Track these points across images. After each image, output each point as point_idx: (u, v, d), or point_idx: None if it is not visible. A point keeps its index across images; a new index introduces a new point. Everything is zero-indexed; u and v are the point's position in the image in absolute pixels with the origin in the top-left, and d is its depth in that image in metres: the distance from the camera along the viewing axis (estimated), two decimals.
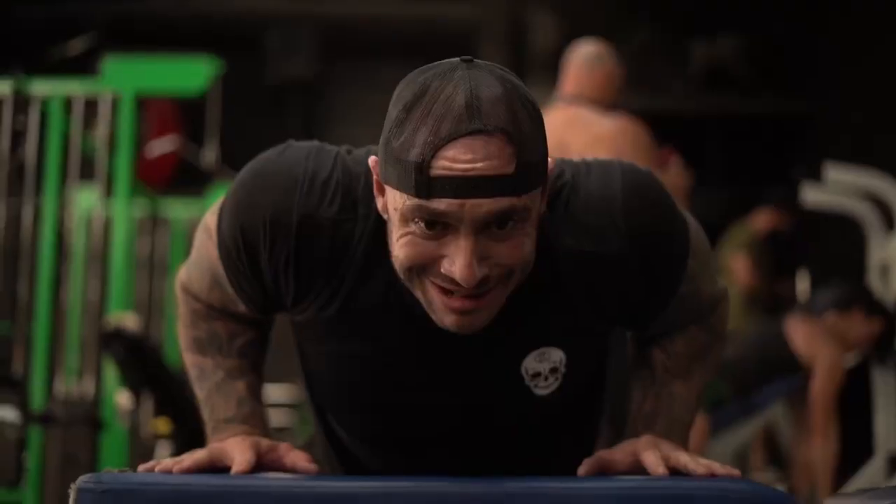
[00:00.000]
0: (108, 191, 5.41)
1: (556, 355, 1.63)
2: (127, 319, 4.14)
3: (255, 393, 1.77)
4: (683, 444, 1.73)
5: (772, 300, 6.63)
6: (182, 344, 1.80)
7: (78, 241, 5.58)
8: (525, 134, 1.40)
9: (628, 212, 1.55)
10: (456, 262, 1.41)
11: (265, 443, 1.69)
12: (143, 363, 3.99)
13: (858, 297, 4.96)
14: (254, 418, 1.74)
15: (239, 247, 1.59)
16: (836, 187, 5.74)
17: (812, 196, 5.75)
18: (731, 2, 9.12)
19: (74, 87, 5.23)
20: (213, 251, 1.67)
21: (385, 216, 1.50)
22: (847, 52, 8.41)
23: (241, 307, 1.70)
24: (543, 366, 1.63)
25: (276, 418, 6.50)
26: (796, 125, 9.13)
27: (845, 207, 5.75)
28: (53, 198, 5.15)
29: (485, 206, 1.38)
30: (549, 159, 1.48)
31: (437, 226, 1.41)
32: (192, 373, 1.78)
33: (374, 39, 8.83)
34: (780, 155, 9.26)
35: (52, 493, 4.74)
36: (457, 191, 1.37)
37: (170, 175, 6.42)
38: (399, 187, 1.41)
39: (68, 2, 8.62)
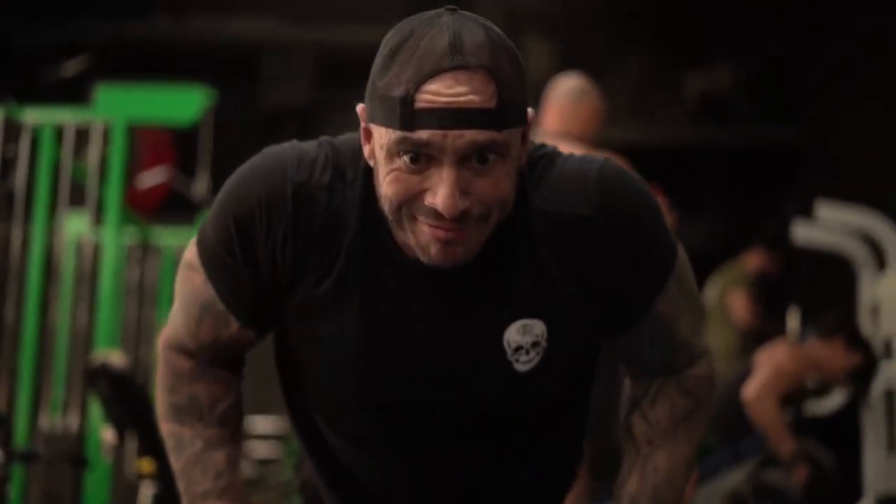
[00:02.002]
0: (98, 218, 5.40)
1: (538, 328, 1.63)
2: (113, 356, 4.11)
3: (233, 465, 1.74)
4: None
5: (766, 341, 6.62)
6: (160, 411, 1.78)
7: (67, 268, 5.56)
8: (506, 73, 1.46)
9: (603, 180, 1.61)
10: (438, 192, 1.46)
11: None
12: (129, 401, 3.95)
13: (842, 327, 4.92)
14: (231, 491, 1.72)
15: (233, 240, 1.61)
16: (828, 225, 5.73)
17: (803, 233, 5.74)
18: (726, 31, 9.13)
19: (66, 116, 5.22)
20: (197, 279, 1.68)
21: (371, 162, 1.55)
22: (843, 84, 8.41)
23: (234, 326, 1.69)
24: (525, 339, 1.63)
25: (263, 450, 6.49)
26: (791, 156, 9.14)
27: (837, 245, 5.74)
28: (42, 224, 5.12)
29: (466, 136, 1.44)
30: (529, 110, 1.54)
31: (422, 159, 1.47)
32: (169, 443, 1.76)
33: (370, 66, 8.80)
34: (774, 186, 9.26)
35: None
36: (440, 121, 1.43)
37: (160, 204, 6.40)
38: (385, 123, 1.47)
39: (62, 26, 8.63)
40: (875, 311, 5.47)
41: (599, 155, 1.68)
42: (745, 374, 4.86)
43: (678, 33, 9.14)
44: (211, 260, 1.65)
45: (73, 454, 4.24)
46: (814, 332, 4.92)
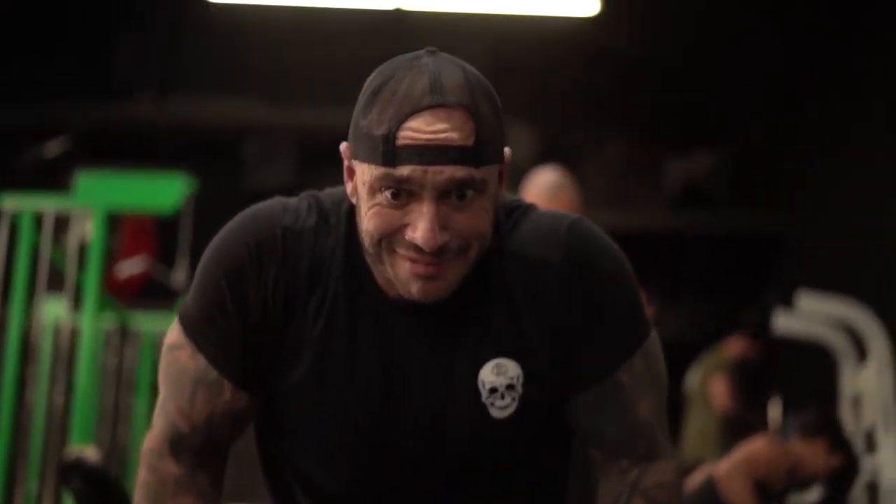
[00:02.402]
0: (77, 303, 5.36)
1: (513, 370, 1.65)
2: (87, 451, 4.06)
3: None
4: None
5: (745, 428, 6.60)
6: None
7: (44, 352, 5.51)
8: (484, 113, 1.52)
9: (573, 230, 1.66)
10: (418, 226, 1.51)
11: None
12: (103, 497, 3.90)
13: (826, 427, 4.90)
14: None
15: (223, 295, 1.63)
16: (809, 315, 5.74)
17: (784, 323, 5.75)
18: (705, 118, 9.21)
19: (46, 203, 5.20)
20: (184, 355, 1.67)
21: (354, 200, 1.60)
22: (823, 172, 8.48)
23: (227, 393, 1.67)
24: (500, 380, 1.65)
25: None
26: (771, 244, 9.18)
27: (818, 336, 5.74)
28: (20, 307, 5.08)
29: (446, 172, 1.49)
30: (507, 149, 1.60)
31: (402, 194, 1.52)
32: None
33: None
34: (754, 273, 9.29)
35: None
36: (420, 158, 1.49)
37: (139, 291, 6.38)
38: (367, 160, 1.52)
39: (42, 108, 8.64)
40: (856, 402, 5.47)
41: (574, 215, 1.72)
42: (710, 485, 4.83)
43: (658, 120, 9.22)
44: (198, 327, 1.66)
45: None
46: (796, 429, 4.89)
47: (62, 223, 5.34)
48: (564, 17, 7.99)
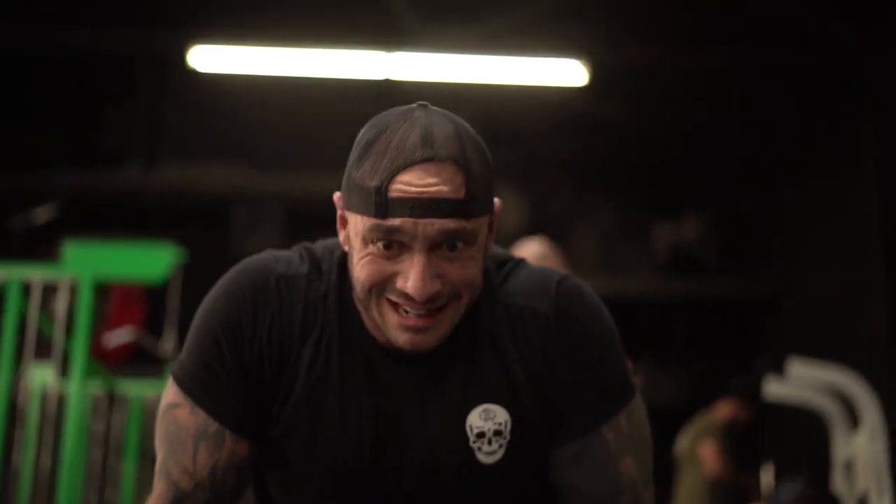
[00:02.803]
0: (64, 370, 5.33)
1: (501, 415, 1.67)
2: None
3: None
4: None
5: (737, 494, 6.56)
6: None
7: (31, 417, 5.47)
8: (474, 166, 1.55)
9: (562, 285, 1.70)
10: (410, 276, 1.54)
11: None
12: None
13: (820, 501, 4.88)
14: None
15: (220, 346, 1.64)
16: (800, 381, 5.71)
17: (775, 389, 5.72)
18: (693, 185, 9.25)
19: (33, 272, 5.18)
20: (183, 413, 1.67)
21: (346, 248, 1.63)
22: (811, 236, 8.50)
23: (229, 443, 1.67)
24: (488, 425, 1.66)
25: None
26: (759, 308, 9.18)
27: (809, 402, 5.72)
28: (7, 373, 5.05)
29: (437, 224, 1.52)
30: (496, 200, 1.63)
31: (394, 245, 1.54)
32: None
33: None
34: (744, 337, 9.29)
35: None
36: (412, 210, 1.52)
37: (127, 359, 6.35)
38: (360, 211, 1.55)
39: (31, 175, 8.65)
40: (849, 467, 5.43)
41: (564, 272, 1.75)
42: None
43: (646, 186, 9.26)
44: (196, 381, 1.66)
45: None
46: (791, 500, 4.87)
47: (50, 291, 5.32)
48: (553, 87, 8.05)
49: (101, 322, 5.80)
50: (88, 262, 5.16)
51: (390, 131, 1.56)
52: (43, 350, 5.45)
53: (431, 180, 1.52)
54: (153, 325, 6.44)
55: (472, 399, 1.67)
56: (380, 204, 1.53)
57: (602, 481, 1.68)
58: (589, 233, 9.28)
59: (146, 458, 5.92)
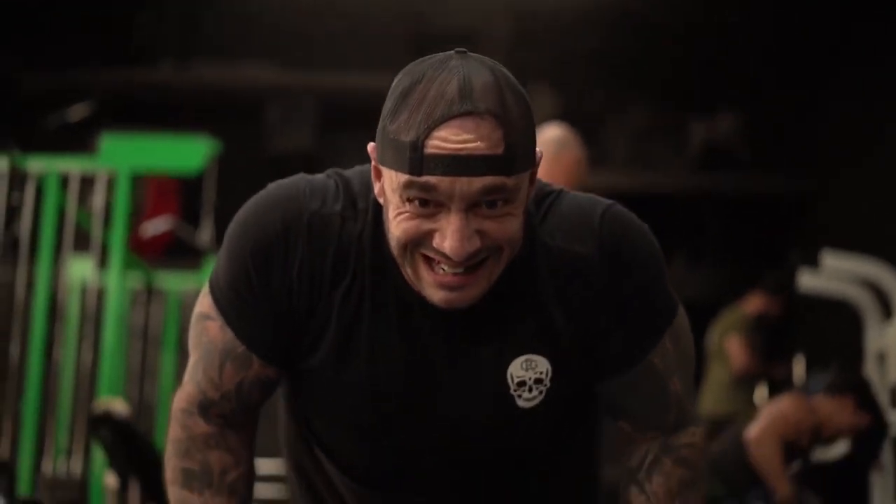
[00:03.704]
0: (103, 262, 5.40)
1: (542, 365, 1.64)
2: (116, 403, 4.10)
3: None
4: None
5: (767, 383, 6.61)
6: (168, 476, 1.75)
7: (71, 311, 5.56)
8: (514, 119, 1.47)
9: (607, 220, 1.63)
10: (447, 236, 1.47)
11: None
12: (132, 449, 3.95)
13: (854, 386, 4.90)
14: None
15: (249, 275, 1.61)
16: (833, 273, 5.73)
17: (809, 282, 5.74)
18: (729, 80, 9.17)
19: (71, 164, 5.23)
20: (214, 326, 1.67)
21: (381, 200, 1.56)
22: (847, 133, 8.44)
23: (255, 366, 1.68)
24: (528, 374, 1.64)
25: (267, 492, 6.46)
26: (795, 204, 9.16)
27: (842, 294, 5.73)
28: (47, 269, 5.13)
29: (475, 182, 1.45)
30: (538, 150, 1.55)
31: (430, 203, 1.47)
32: None
33: (374, 110, 8.82)
34: (777, 234, 9.27)
35: None
36: (448, 168, 1.44)
37: (164, 250, 6.42)
38: (395, 167, 1.47)
39: (67, 72, 8.67)
40: (881, 358, 5.46)
41: (607, 199, 1.68)
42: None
43: (681, 83, 9.19)
44: (228, 301, 1.64)
45: (76, 500, 4.22)
46: (824, 386, 4.89)
47: (87, 185, 5.37)
48: None
49: (137, 214, 5.86)
50: (125, 154, 5.21)
51: (426, 81, 1.47)
52: (82, 244, 5.52)
53: (469, 136, 1.44)
54: (189, 218, 6.49)
55: (513, 349, 1.63)
56: (414, 160, 1.45)
57: (650, 403, 1.70)
58: (622, 129, 9.24)
59: (184, 351, 6.01)
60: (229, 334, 1.66)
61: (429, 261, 1.52)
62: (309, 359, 1.68)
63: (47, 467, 4.93)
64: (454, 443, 1.69)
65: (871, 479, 5.15)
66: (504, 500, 1.77)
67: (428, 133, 1.44)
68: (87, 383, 5.20)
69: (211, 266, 6.12)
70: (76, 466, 4.92)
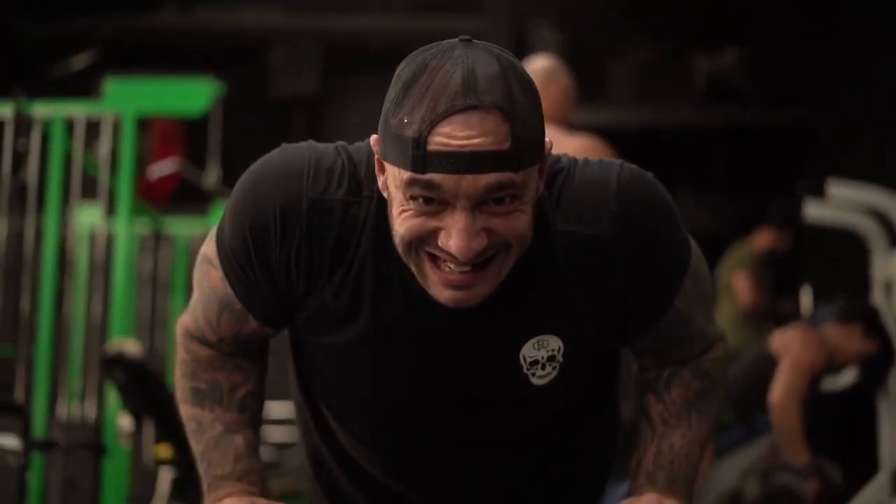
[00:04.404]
0: (110, 209, 5.42)
1: (555, 343, 1.62)
2: (128, 344, 4.13)
3: (253, 449, 1.73)
4: (687, 499, 1.71)
5: (775, 319, 6.62)
6: (179, 395, 1.77)
7: (80, 259, 5.58)
8: (521, 111, 1.42)
9: (622, 194, 1.57)
10: (452, 235, 1.43)
11: (262, 502, 1.67)
12: (145, 389, 3.98)
13: (862, 313, 4.93)
14: (251, 475, 1.71)
15: (248, 248, 1.59)
16: (839, 203, 5.72)
17: (814, 212, 5.73)
18: (733, 14, 9.11)
19: (76, 109, 5.24)
20: (215, 275, 1.66)
21: (385, 194, 1.52)
22: (850, 64, 8.40)
23: (252, 323, 1.68)
24: (541, 353, 1.62)
25: (280, 434, 6.51)
26: (800, 138, 9.13)
27: (848, 223, 5.73)
28: (55, 216, 5.15)
29: (481, 180, 1.40)
30: (547, 140, 1.50)
31: (435, 201, 1.43)
32: (189, 426, 1.75)
33: (378, 54, 8.82)
34: (784, 168, 9.25)
35: None
36: (453, 165, 1.39)
37: (171, 194, 6.43)
38: (397, 163, 1.43)
39: (69, 20, 8.65)
40: (888, 287, 5.47)
41: (619, 161, 1.63)
42: (760, 356, 4.88)
43: (685, 16, 9.13)
44: (228, 261, 1.63)
45: (91, 442, 4.27)
46: (832, 314, 4.92)
47: (93, 132, 5.38)
48: None
49: (143, 161, 5.87)
50: (130, 97, 5.22)
51: (430, 72, 1.42)
52: (89, 191, 5.53)
53: (474, 131, 1.39)
54: (196, 162, 6.50)
55: (524, 332, 1.62)
56: (417, 157, 1.40)
57: (677, 342, 1.71)
58: (626, 65, 9.20)
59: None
60: (229, 290, 1.65)
61: (434, 259, 1.48)
62: (310, 334, 1.67)
63: (61, 412, 4.98)
64: (465, 420, 1.68)
65: (879, 406, 5.18)
66: (521, 468, 1.78)
67: (431, 129, 1.40)
68: (99, 331, 5.23)
69: (218, 211, 6.14)
70: (90, 410, 4.96)
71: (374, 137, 1.51)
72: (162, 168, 6.10)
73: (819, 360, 4.77)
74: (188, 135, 6.67)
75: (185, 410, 1.77)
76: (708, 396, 1.76)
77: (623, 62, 9.21)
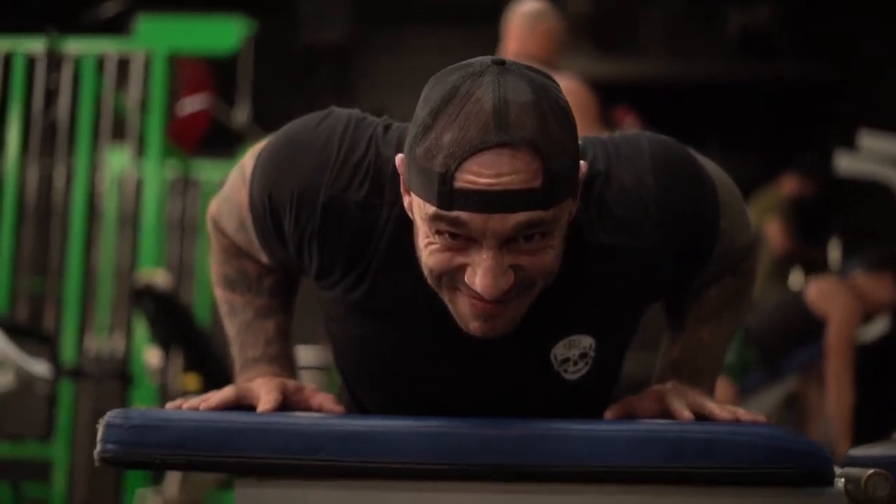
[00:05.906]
0: (140, 151, 5.44)
1: (586, 342, 1.61)
2: (157, 276, 4.15)
3: (283, 333, 1.75)
4: (710, 391, 1.71)
5: (804, 265, 6.59)
6: (213, 279, 1.80)
7: (109, 202, 5.60)
8: (554, 144, 1.35)
9: (660, 196, 1.52)
10: (478, 273, 1.38)
11: (291, 384, 1.68)
12: (173, 320, 4.01)
13: (891, 261, 4.93)
14: (281, 359, 1.74)
15: (266, 209, 1.58)
16: (871, 155, 5.69)
17: (845, 164, 5.71)
18: None
19: (107, 46, 5.25)
20: (243, 196, 1.66)
21: (410, 215, 1.47)
22: (885, 19, 8.33)
23: (264, 258, 1.70)
24: (572, 352, 1.61)
25: (306, 380, 6.54)
26: (832, 92, 9.06)
27: (879, 175, 5.70)
28: (85, 157, 5.17)
29: (510, 220, 1.35)
30: (582, 163, 1.45)
31: (461, 237, 1.38)
32: (223, 308, 1.78)
33: (407, 4, 8.81)
34: (815, 122, 9.19)
35: (82, 447, 4.78)
36: (480, 205, 1.34)
37: (201, 135, 6.43)
38: (423, 195, 1.38)
39: None
40: None
41: (644, 140, 1.58)
42: (790, 302, 4.89)
43: None
44: (254, 204, 1.61)
45: (119, 372, 4.31)
46: (861, 265, 4.91)
47: (124, 72, 5.38)
48: None
49: (173, 100, 5.87)
50: (161, 35, 5.23)
51: (459, 99, 1.35)
52: (118, 133, 5.54)
53: (504, 169, 1.32)
54: (225, 102, 6.49)
55: (556, 334, 1.60)
56: (444, 194, 1.34)
57: (722, 266, 1.69)
58: (658, 18, 9.14)
59: None
60: (250, 219, 1.64)
61: (459, 288, 1.44)
62: (332, 313, 1.67)
63: (90, 345, 5.01)
64: (495, 410, 1.64)
65: None
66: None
67: (458, 165, 1.33)
68: (127, 274, 5.26)
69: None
70: (119, 343, 4.99)
71: (399, 158, 1.46)
72: (192, 104, 6.10)
73: (858, 314, 4.80)
74: (217, 76, 6.67)
75: (219, 293, 1.80)
76: (742, 293, 1.77)
77: (655, 14, 9.14)
